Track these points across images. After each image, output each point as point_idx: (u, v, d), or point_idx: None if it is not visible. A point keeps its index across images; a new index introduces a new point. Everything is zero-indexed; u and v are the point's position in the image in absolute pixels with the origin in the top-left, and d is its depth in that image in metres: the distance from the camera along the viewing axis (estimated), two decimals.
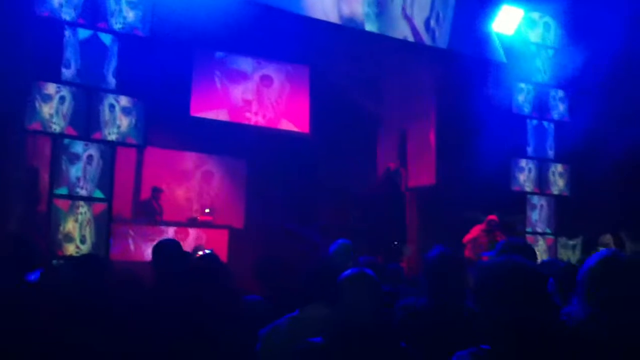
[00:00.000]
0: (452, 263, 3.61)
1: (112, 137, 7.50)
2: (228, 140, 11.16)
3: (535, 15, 11.05)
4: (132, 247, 9.50)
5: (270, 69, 11.55)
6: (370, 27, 9.63)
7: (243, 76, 11.36)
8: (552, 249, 10.74)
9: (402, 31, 9.87)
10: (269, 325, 3.50)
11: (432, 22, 10.12)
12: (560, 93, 11.33)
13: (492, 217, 9.99)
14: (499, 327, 2.26)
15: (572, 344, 2.42)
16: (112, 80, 7.57)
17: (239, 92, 11.30)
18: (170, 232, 10.05)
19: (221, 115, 11.14)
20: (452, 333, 3.20)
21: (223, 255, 10.31)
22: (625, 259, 2.69)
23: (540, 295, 2.32)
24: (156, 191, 10.73)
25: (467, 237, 9.87)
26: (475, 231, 9.91)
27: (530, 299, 2.27)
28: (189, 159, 11.54)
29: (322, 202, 11.15)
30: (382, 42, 9.97)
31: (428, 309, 3.49)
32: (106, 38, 7.60)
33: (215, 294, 3.82)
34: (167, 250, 4.46)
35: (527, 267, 2.33)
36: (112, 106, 7.54)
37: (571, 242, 11.10)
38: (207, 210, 10.97)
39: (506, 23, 10.49)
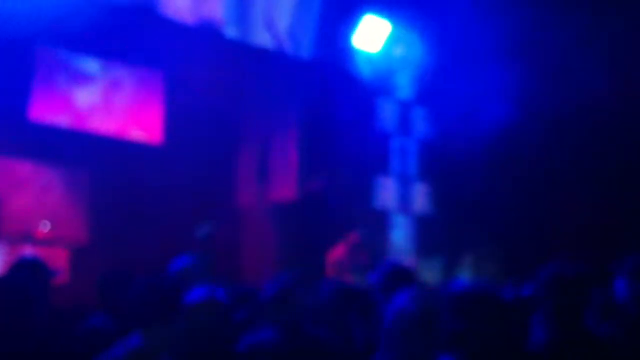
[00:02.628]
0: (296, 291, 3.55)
1: None
2: (71, 149, 10.56)
3: (400, 31, 11.24)
4: None
5: (120, 73, 11.05)
6: (230, 32, 9.50)
7: (89, 79, 10.81)
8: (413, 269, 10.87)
9: (264, 39, 9.79)
10: (106, 356, 3.22)
11: (295, 32, 10.12)
12: (424, 111, 11.55)
13: (354, 235, 9.98)
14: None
15: None
16: None
17: (85, 97, 10.73)
18: (1, 249, 9.37)
19: (64, 121, 10.55)
20: None
21: (63, 275, 9.80)
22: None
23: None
24: None
25: (332, 257, 9.81)
26: (339, 250, 9.87)
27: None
28: (26, 168, 10.82)
29: (176, 217, 10.75)
30: (243, 49, 9.86)
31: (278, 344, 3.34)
32: None
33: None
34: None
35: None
36: None
37: (433, 263, 11.27)
38: (45, 226, 10.35)
39: (372, 38, 10.63)
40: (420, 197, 11.42)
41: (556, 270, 2.79)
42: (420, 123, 11.55)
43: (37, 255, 5.52)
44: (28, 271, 4.06)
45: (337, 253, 9.84)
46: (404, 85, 11.44)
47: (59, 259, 9.78)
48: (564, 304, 2.67)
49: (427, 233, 11.29)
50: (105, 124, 10.87)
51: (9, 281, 3.84)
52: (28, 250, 9.67)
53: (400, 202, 11.16)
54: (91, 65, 10.83)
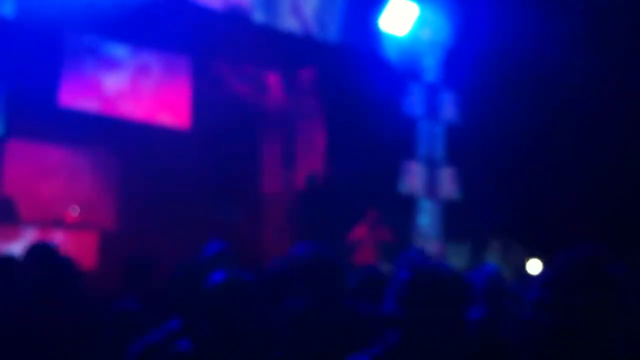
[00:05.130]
0: (329, 263, 3.45)
1: None
2: (100, 134, 10.79)
3: (428, 13, 11.27)
4: None
5: (147, 58, 11.24)
6: (257, 17, 9.60)
7: (118, 64, 11.00)
8: (440, 254, 10.99)
9: (291, 23, 9.88)
10: (143, 341, 3.29)
11: (322, 16, 10.19)
12: (452, 94, 11.60)
13: (372, 212, 10.01)
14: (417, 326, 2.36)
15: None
16: None
17: (113, 82, 10.94)
18: (31, 234, 9.60)
19: (93, 106, 10.77)
20: (335, 334, 3.18)
21: (93, 259, 9.99)
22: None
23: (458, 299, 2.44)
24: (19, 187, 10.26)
25: (352, 238, 9.89)
26: (360, 231, 9.93)
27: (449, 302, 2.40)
28: (56, 153, 11.07)
29: (203, 202, 10.95)
30: (270, 34, 9.95)
31: (308, 312, 3.35)
32: None
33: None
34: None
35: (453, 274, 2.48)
36: None
37: (460, 248, 11.39)
38: (74, 210, 10.57)
39: (399, 20, 10.68)
40: (447, 181, 11.47)
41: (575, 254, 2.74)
42: (448, 106, 11.57)
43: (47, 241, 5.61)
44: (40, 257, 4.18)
45: (359, 234, 9.93)
46: (432, 68, 11.48)
47: (88, 243, 9.98)
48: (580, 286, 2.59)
49: (454, 217, 11.36)
50: (133, 109, 11.07)
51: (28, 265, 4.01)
52: (58, 235, 9.90)
53: (427, 186, 11.22)
54: (119, 50, 11.02)
